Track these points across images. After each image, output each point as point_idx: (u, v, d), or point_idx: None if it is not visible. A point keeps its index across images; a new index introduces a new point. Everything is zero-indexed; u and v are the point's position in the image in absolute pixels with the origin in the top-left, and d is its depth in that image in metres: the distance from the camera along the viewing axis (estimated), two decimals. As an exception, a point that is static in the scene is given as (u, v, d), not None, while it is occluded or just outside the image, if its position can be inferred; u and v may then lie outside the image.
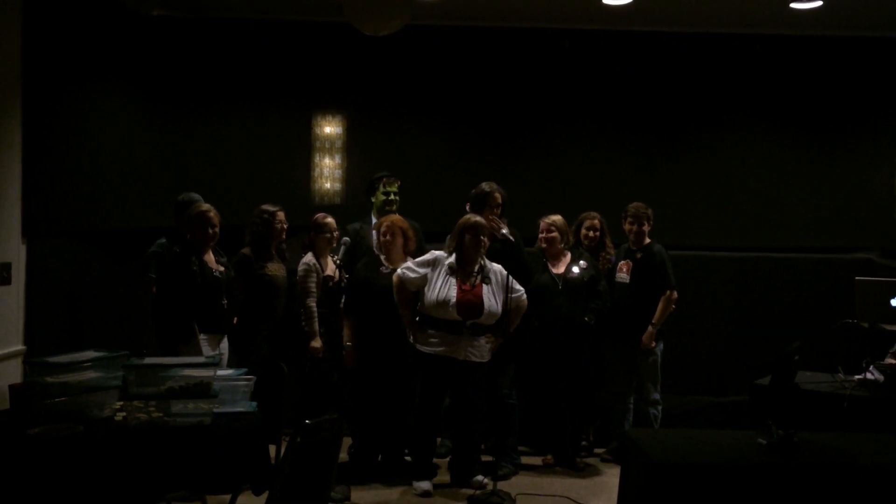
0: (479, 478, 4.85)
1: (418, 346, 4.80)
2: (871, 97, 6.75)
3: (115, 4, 5.77)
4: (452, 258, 4.81)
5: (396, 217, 5.14)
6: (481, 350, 4.80)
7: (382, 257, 5.02)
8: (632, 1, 5.74)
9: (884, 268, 6.28)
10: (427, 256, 4.87)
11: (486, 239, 4.82)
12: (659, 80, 6.71)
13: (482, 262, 4.85)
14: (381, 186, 5.46)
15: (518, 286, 4.88)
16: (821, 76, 6.73)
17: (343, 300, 5.04)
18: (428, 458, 4.93)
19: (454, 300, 4.68)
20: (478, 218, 4.88)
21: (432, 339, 4.75)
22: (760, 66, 6.70)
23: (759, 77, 6.73)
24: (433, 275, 4.77)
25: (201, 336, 4.50)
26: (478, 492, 4.72)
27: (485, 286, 4.77)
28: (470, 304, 4.71)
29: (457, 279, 4.74)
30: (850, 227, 6.77)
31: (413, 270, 4.79)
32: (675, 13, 6.31)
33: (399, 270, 4.83)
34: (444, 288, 4.72)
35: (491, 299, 4.76)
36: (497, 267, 4.89)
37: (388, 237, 5.00)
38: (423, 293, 4.78)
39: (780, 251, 6.67)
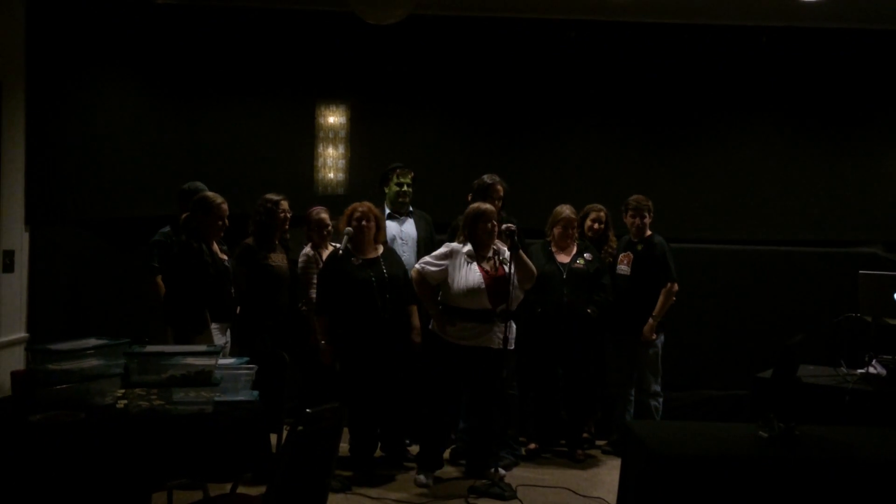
0: (495, 470, 4.73)
1: (446, 338, 4.77)
2: (877, 90, 6.71)
3: (119, -7, 5.76)
4: (469, 246, 4.81)
5: (369, 203, 5.01)
6: (510, 336, 4.77)
7: (350, 246, 4.83)
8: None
9: (889, 262, 6.25)
10: (443, 249, 4.86)
11: (496, 223, 4.84)
12: (664, 71, 6.68)
13: (495, 247, 4.86)
14: (395, 178, 5.43)
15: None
16: (827, 69, 6.69)
17: (314, 297, 4.95)
18: (439, 449, 4.91)
19: (483, 285, 4.68)
20: (486, 205, 4.89)
21: (464, 332, 4.73)
22: (766, 58, 6.67)
23: (765, 69, 6.69)
24: (453, 265, 4.77)
25: (213, 325, 4.50)
26: (479, 482, 4.71)
27: (505, 268, 4.74)
28: (498, 286, 4.70)
29: (478, 265, 4.75)
30: (855, 221, 6.75)
31: (433, 264, 4.80)
32: (680, 4, 6.27)
33: (418, 265, 4.83)
34: (469, 275, 4.72)
35: (514, 281, 4.73)
36: (503, 249, 4.87)
37: (366, 223, 4.86)
38: (446, 285, 4.78)
39: (784, 244, 6.64)
